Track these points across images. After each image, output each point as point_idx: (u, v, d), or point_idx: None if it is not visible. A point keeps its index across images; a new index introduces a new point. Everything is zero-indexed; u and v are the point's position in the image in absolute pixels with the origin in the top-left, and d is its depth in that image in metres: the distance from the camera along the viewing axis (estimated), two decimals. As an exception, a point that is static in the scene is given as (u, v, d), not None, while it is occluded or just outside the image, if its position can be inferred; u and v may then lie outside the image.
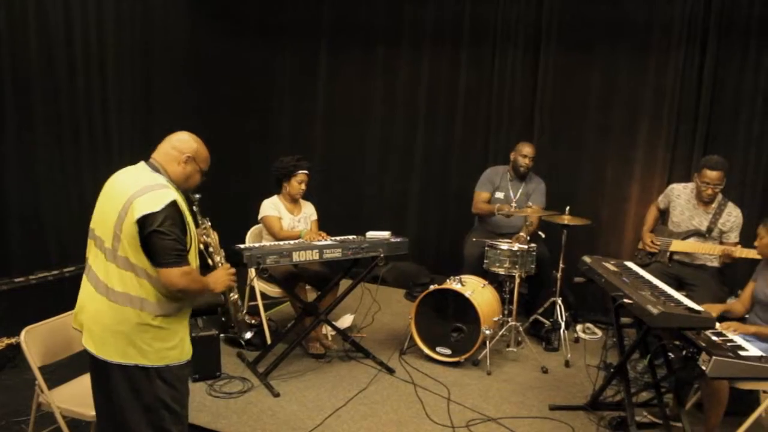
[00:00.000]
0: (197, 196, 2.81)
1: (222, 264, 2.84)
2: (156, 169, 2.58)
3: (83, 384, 3.04)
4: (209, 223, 2.91)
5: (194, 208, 2.80)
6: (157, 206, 2.39)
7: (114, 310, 2.46)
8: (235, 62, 6.83)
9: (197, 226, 2.81)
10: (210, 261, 2.86)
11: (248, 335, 3.03)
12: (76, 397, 2.95)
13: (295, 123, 7.06)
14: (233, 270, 2.78)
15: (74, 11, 4.96)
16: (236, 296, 2.87)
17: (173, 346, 2.54)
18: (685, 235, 4.59)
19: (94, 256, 2.55)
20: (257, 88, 7.06)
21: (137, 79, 5.62)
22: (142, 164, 2.62)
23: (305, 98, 7.00)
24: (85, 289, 2.58)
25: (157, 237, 2.38)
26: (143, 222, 2.38)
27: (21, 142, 4.74)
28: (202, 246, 2.81)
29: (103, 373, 2.55)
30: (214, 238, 2.91)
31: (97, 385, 2.63)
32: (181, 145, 2.62)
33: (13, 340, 4.03)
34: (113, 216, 2.46)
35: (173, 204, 2.43)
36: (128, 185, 2.49)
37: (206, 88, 6.46)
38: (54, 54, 4.87)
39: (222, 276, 2.72)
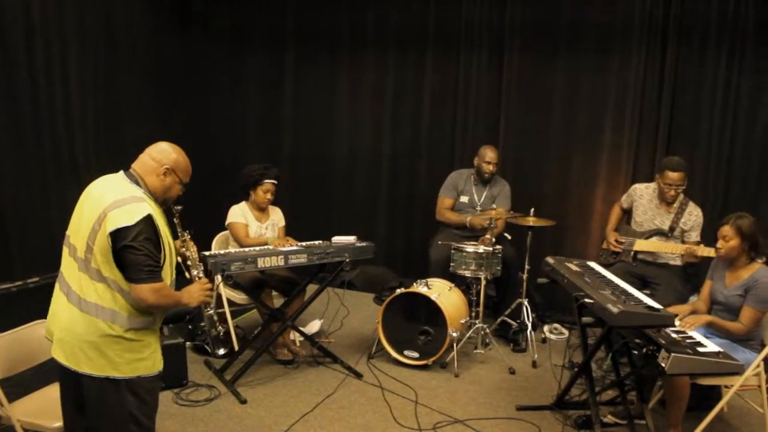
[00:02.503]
0: (179, 207, 2.79)
1: (199, 278, 2.82)
2: (135, 180, 2.55)
3: (46, 396, 3.05)
4: (189, 236, 2.90)
5: (174, 219, 2.78)
6: (131, 220, 2.38)
7: (86, 320, 2.45)
8: (200, 68, 6.83)
9: (176, 238, 2.79)
10: (187, 274, 2.85)
11: (221, 352, 3.03)
12: (37, 409, 2.94)
13: (262, 128, 7.05)
14: (209, 285, 2.75)
15: (35, 16, 4.91)
16: (212, 311, 2.88)
17: (145, 357, 2.54)
18: (648, 235, 4.70)
19: (66, 264, 2.54)
20: (223, 94, 7.05)
21: (101, 87, 5.57)
22: (120, 174, 2.59)
23: (271, 103, 7.00)
24: (57, 297, 2.56)
25: (130, 252, 2.37)
26: (116, 236, 2.37)
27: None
28: (179, 258, 2.80)
29: (72, 383, 2.55)
30: (193, 251, 2.91)
31: (66, 396, 2.62)
32: (160, 156, 2.59)
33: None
34: (88, 226, 2.45)
35: (148, 218, 2.41)
36: (104, 196, 2.47)
37: (171, 94, 6.43)
38: (15, 61, 4.82)
39: (196, 291, 2.70)
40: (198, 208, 5.67)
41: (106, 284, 2.44)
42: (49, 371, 2.66)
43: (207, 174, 6.57)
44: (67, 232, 2.58)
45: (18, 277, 4.71)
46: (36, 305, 2.67)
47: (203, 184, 6.51)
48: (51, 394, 3.02)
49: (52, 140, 5.11)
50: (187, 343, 4.59)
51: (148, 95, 6.16)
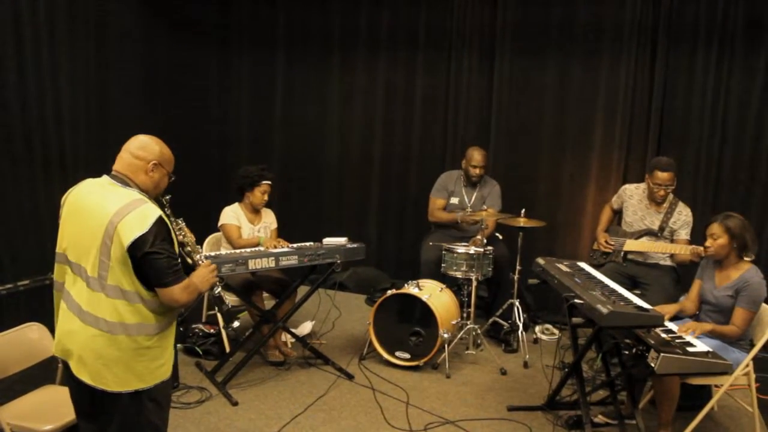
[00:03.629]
0: (167, 197, 2.75)
1: (202, 261, 2.79)
2: (124, 183, 2.48)
3: (36, 398, 3.04)
4: (183, 223, 2.88)
5: (166, 210, 2.72)
6: (144, 227, 2.32)
7: (108, 339, 2.39)
8: (191, 70, 6.83)
9: (176, 226, 2.81)
10: (189, 260, 2.82)
11: (236, 324, 2.95)
12: (28, 411, 2.93)
13: (253, 129, 7.07)
14: (213, 266, 2.72)
15: (24, 20, 4.89)
16: (219, 289, 2.85)
17: (163, 362, 2.52)
18: (638, 235, 4.73)
19: (71, 283, 2.46)
20: (214, 95, 7.06)
21: (91, 89, 5.56)
22: (105, 179, 2.51)
23: (262, 105, 7.02)
24: (66, 317, 2.46)
25: (152, 258, 2.33)
26: (135, 246, 2.32)
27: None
28: (179, 247, 2.76)
29: (96, 402, 2.49)
30: (190, 236, 2.89)
31: (89, 414, 2.55)
32: (144, 153, 2.51)
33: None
34: (94, 242, 2.37)
35: (159, 220, 2.37)
36: (105, 207, 2.39)
37: (161, 96, 6.43)
38: (3, 61, 4.80)
39: (206, 274, 2.66)
40: (188, 210, 5.69)
41: (126, 299, 2.38)
42: (38, 374, 2.65)
43: (198, 176, 6.60)
44: (60, 249, 2.51)
45: (8, 280, 4.70)
46: (26, 308, 2.68)
47: (194, 185, 6.53)
48: (41, 396, 3.03)
49: (42, 142, 5.08)
50: (179, 345, 4.62)
51: (138, 97, 6.16)
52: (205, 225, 4.99)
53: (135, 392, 2.45)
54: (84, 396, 2.50)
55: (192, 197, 6.33)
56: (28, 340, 2.76)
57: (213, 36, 6.95)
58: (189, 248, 2.86)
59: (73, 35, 5.31)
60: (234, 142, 7.08)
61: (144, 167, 2.51)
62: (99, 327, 2.38)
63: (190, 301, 2.49)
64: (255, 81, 7.00)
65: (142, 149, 2.53)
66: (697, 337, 3.48)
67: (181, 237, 2.83)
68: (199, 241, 4.76)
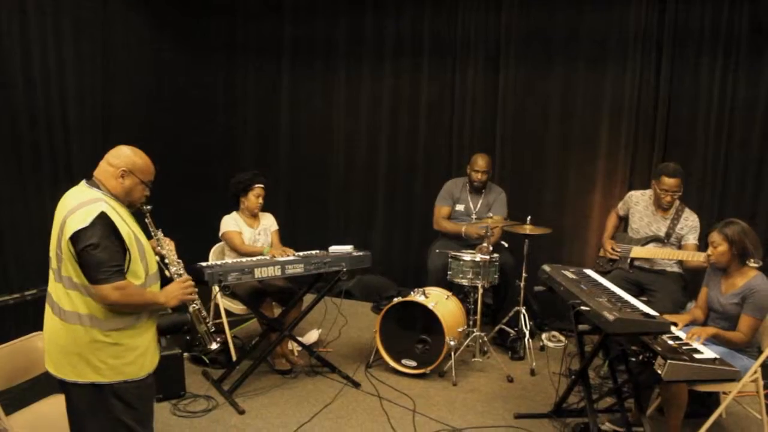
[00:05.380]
0: (148, 207, 2.79)
1: (178, 275, 2.80)
2: (95, 186, 2.60)
3: (43, 408, 3.05)
4: (161, 234, 2.88)
5: (146, 220, 2.79)
6: (85, 221, 2.40)
7: (66, 329, 2.50)
8: (197, 81, 6.88)
9: (150, 237, 2.80)
10: (167, 272, 2.83)
11: (214, 346, 2.91)
12: (35, 421, 2.94)
13: (259, 140, 7.11)
14: (189, 282, 2.75)
15: (31, 32, 4.94)
16: (197, 307, 2.83)
17: (130, 361, 2.55)
18: (645, 241, 4.72)
19: (50, 277, 2.58)
20: (219, 107, 7.10)
21: (98, 99, 5.61)
22: (82, 182, 2.64)
23: (268, 115, 7.05)
24: (46, 310, 2.61)
25: (88, 253, 2.39)
26: (75, 239, 2.40)
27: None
28: (157, 258, 2.80)
29: (64, 392, 2.60)
30: (169, 248, 2.88)
31: (66, 405, 2.63)
32: (116, 160, 2.62)
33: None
34: (54, 237, 2.52)
35: (101, 216, 2.43)
36: (66, 205, 2.52)
37: (168, 107, 6.47)
38: (12, 74, 4.85)
39: (175, 290, 2.69)
40: (194, 221, 5.74)
41: (78, 291, 2.47)
42: (46, 383, 2.66)
43: (202, 186, 6.63)
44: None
45: (15, 290, 4.73)
46: (33, 318, 2.70)
47: (199, 196, 6.57)
48: (49, 406, 3.03)
49: (49, 152, 5.13)
50: (185, 354, 4.63)
51: (144, 107, 6.20)
52: (210, 235, 4.99)
53: (93, 385, 2.52)
54: (64, 393, 2.62)
55: (198, 208, 6.39)
56: (35, 350, 2.77)
57: (219, 47, 6.98)
58: (167, 260, 2.84)
59: (79, 47, 5.37)
60: (240, 152, 7.11)
61: (114, 173, 2.61)
62: (60, 316, 2.52)
63: (127, 305, 2.50)
64: (260, 90, 7.02)
65: (116, 157, 2.64)
66: (704, 344, 3.47)
67: (158, 249, 2.84)
68: (204, 252, 4.86)
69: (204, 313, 2.89)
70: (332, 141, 6.86)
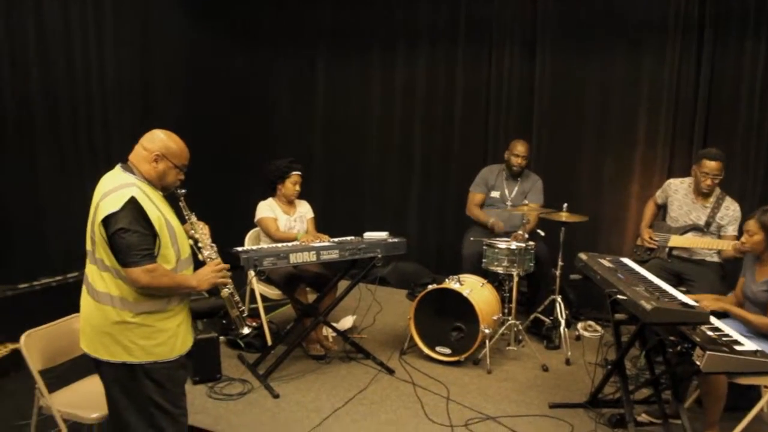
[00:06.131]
0: (183, 191, 2.81)
1: (211, 259, 2.82)
2: (129, 170, 2.64)
3: (83, 387, 3.12)
4: (195, 218, 2.89)
5: (180, 203, 2.82)
6: (116, 206, 2.45)
7: (98, 309, 2.56)
8: (233, 68, 6.92)
9: (183, 222, 2.83)
10: (200, 256, 2.85)
11: (246, 331, 2.95)
12: (76, 400, 3.01)
13: (295, 127, 7.14)
14: (221, 266, 2.78)
15: (72, 14, 5.03)
16: (230, 291, 2.85)
17: (160, 342, 2.60)
18: (684, 230, 4.63)
19: (87, 259, 2.64)
20: (256, 94, 7.14)
21: (136, 83, 5.69)
22: (117, 167, 2.68)
23: (304, 102, 7.08)
24: (82, 290, 2.67)
25: (119, 236, 2.44)
26: (107, 223, 2.46)
27: (23, 150, 4.80)
28: (191, 242, 2.83)
29: (98, 371, 2.67)
30: (203, 232, 2.89)
31: (102, 383, 2.70)
32: (150, 144, 2.66)
33: (17, 345, 4.11)
34: (90, 220, 2.57)
35: (131, 201, 2.47)
36: (101, 189, 2.58)
37: (205, 95, 6.52)
38: (54, 63, 4.94)
39: (207, 273, 2.72)
40: (230, 208, 5.80)
41: (110, 273, 2.53)
42: (86, 363, 2.72)
43: (239, 172, 6.69)
44: None
45: (58, 272, 4.84)
46: (74, 299, 2.74)
47: (235, 184, 6.64)
48: (88, 386, 3.10)
49: (88, 140, 5.24)
50: (221, 338, 4.67)
51: (182, 96, 6.26)
52: (245, 220, 5.04)
53: (125, 365, 2.57)
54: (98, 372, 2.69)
55: (234, 193, 6.45)
56: (75, 330, 2.82)
57: (256, 34, 7.02)
58: (200, 244, 2.86)
59: (120, 36, 5.45)
60: (276, 140, 7.16)
61: (147, 157, 2.65)
62: (93, 297, 2.58)
63: (158, 287, 2.53)
64: (296, 78, 7.07)
65: (150, 141, 2.68)
66: (745, 336, 3.39)
67: (192, 233, 2.87)
68: (240, 237, 4.89)
69: (237, 297, 2.91)
70: (367, 128, 6.87)
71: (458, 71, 6.39)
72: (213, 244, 2.89)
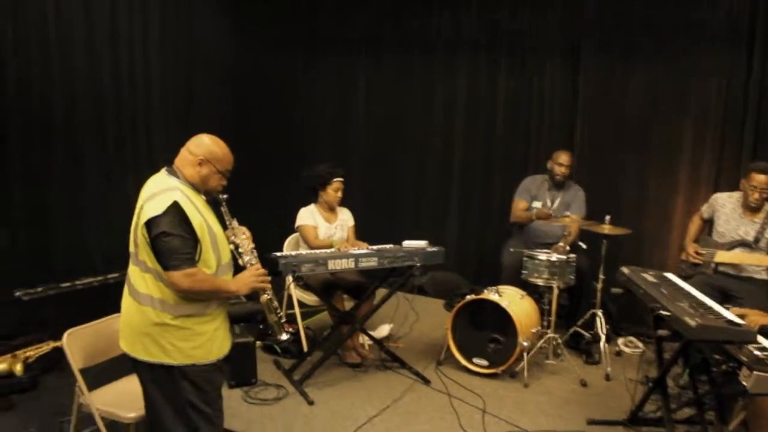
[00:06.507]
0: (224, 196, 2.83)
1: (251, 265, 2.86)
2: (174, 173, 2.69)
3: (122, 386, 3.16)
4: (236, 223, 2.92)
5: (222, 209, 2.84)
6: (159, 209, 2.49)
7: (139, 310, 2.60)
8: (274, 74, 7.01)
9: (225, 227, 2.85)
10: (240, 261, 2.88)
11: (284, 337, 2.97)
12: (114, 399, 3.05)
13: (334, 132, 7.18)
14: (261, 271, 2.81)
15: (120, 27, 5.15)
16: (269, 297, 2.88)
17: (197, 345, 2.62)
18: (731, 246, 4.51)
19: (130, 260, 2.68)
20: (296, 100, 7.20)
21: (180, 91, 5.80)
22: (163, 170, 2.72)
23: (344, 107, 7.12)
24: (124, 290, 2.72)
25: (161, 240, 2.48)
26: (149, 226, 2.50)
27: (68, 152, 4.92)
28: (232, 246, 2.85)
29: (136, 371, 2.71)
30: (244, 237, 2.92)
31: (139, 383, 2.74)
32: (195, 149, 2.71)
33: (59, 343, 4.19)
34: (134, 222, 2.61)
35: (174, 206, 2.50)
36: (146, 192, 2.63)
37: (245, 100, 6.62)
38: (99, 65, 5.07)
39: (247, 278, 2.75)
40: (269, 211, 5.85)
41: (153, 275, 2.56)
42: (125, 363, 2.76)
43: (280, 176, 6.75)
44: None
45: (99, 272, 4.94)
46: (115, 300, 2.79)
47: (275, 188, 6.69)
48: (127, 385, 3.13)
49: (133, 142, 5.34)
50: (258, 343, 4.70)
51: (224, 99, 6.36)
52: (285, 225, 5.05)
53: (163, 366, 2.60)
54: (136, 372, 2.72)
55: (274, 200, 6.50)
56: (115, 331, 2.85)
57: (298, 38, 7.09)
58: (241, 249, 2.89)
59: (165, 39, 5.55)
60: (315, 143, 7.20)
61: (192, 161, 2.70)
62: (134, 297, 2.62)
63: (199, 292, 2.57)
64: (337, 85, 7.11)
65: (196, 146, 2.73)
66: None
67: (233, 238, 2.89)
68: (279, 243, 4.92)
69: (275, 303, 2.94)
70: (408, 135, 6.86)
71: (500, 80, 6.35)
72: (253, 250, 2.92)
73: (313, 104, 7.21)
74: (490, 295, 4.59)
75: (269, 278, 2.85)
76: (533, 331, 4.61)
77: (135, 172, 5.25)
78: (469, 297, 4.67)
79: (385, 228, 6.54)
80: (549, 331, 4.77)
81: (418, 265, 4.42)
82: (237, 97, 6.50)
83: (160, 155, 5.46)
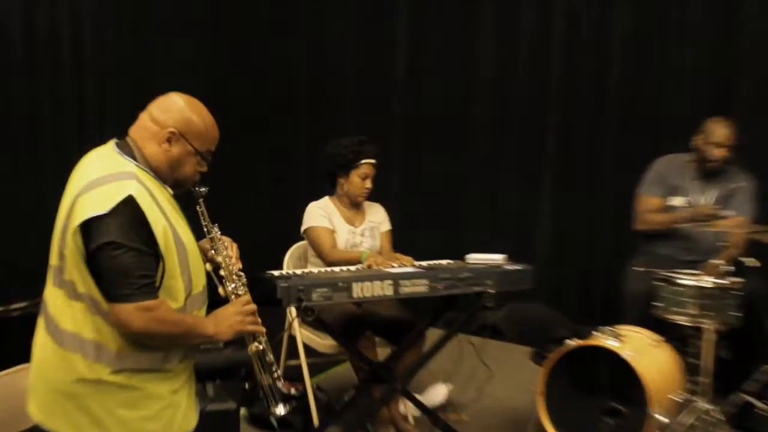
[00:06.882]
0: (203, 189, 2.80)
1: (237, 295, 2.80)
2: (127, 151, 2.60)
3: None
4: (218, 231, 2.87)
5: (198, 208, 2.80)
6: (104, 206, 2.36)
7: (60, 358, 2.49)
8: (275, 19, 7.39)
9: (208, 234, 2.85)
10: (221, 290, 2.83)
11: (281, 410, 2.88)
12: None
13: (364, 90, 7.40)
14: (251, 307, 2.75)
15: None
16: (261, 347, 2.81)
17: (150, 416, 2.55)
18: None
19: (48, 279, 2.61)
20: (306, 41, 7.62)
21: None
22: (110, 144, 2.64)
23: (375, 49, 7.44)
24: (37, 326, 2.65)
25: (105, 255, 2.36)
26: (86, 230, 2.38)
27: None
28: (209, 266, 2.82)
29: None
30: (228, 254, 2.87)
31: None
32: (162, 115, 2.62)
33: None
34: (60, 222, 2.52)
35: (128, 202, 2.39)
36: (83, 177, 2.52)
37: (227, 40, 6.96)
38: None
39: (230, 316, 2.68)
40: (264, 209, 5.81)
41: (85, 304, 2.45)
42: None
43: (274, 158, 6.74)
44: None
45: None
46: (21, 341, 2.79)
47: (273, 174, 6.67)
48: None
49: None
50: (242, 410, 4.65)
51: (192, 39, 6.76)
52: (283, 231, 5.25)
53: None
54: None
55: (270, 194, 6.47)
56: (18, 392, 2.76)
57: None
58: (222, 272, 2.83)
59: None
60: (334, 108, 7.38)
61: (158, 135, 2.61)
62: (54, 337, 2.53)
63: (159, 335, 2.49)
64: (366, 21, 7.31)
65: (164, 110, 2.65)
66: None
67: (212, 253, 2.87)
68: (279, 254, 5.00)
69: (270, 356, 2.87)
70: (472, 94, 6.98)
71: (616, 7, 6.39)
72: (241, 273, 2.88)
73: (332, 50, 7.49)
74: (603, 340, 4.45)
75: (256, 317, 2.79)
76: (674, 398, 4.43)
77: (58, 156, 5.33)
78: (570, 343, 4.53)
79: (438, 234, 6.48)
80: (700, 399, 4.54)
81: (492, 292, 4.27)
82: (214, 41, 6.54)
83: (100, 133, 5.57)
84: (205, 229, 2.83)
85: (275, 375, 2.87)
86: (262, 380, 2.85)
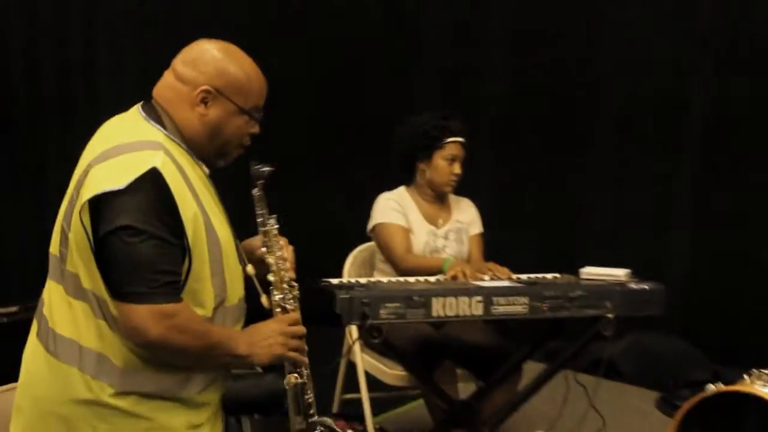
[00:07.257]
0: (266, 169, 2.83)
1: (284, 309, 2.81)
2: (155, 118, 2.60)
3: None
4: (276, 227, 2.89)
5: (256, 192, 2.84)
6: (121, 180, 2.35)
7: (53, 371, 2.53)
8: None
9: (261, 227, 2.87)
10: (263, 300, 2.84)
11: None
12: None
13: (445, 68, 7.37)
14: (299, 329, 2.77)
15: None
16: (299, 380, 2.81)
17: None
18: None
19: (49, 271, 2.65)
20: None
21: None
22: (136, 108, 2.66)
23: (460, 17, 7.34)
24: (31, 331, 2.70)
25: (117, 241, 2.35)
26: (97, 209, 2.38)
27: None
28: (251, 269, 2.83)
29: None
30: (283, 255, 2.88)
31: None
32: (191, 71, 2.61)
33: None
34: (67, 197, 2.55)
35: (151, 178, 2.38)
36: (98, 144, 2.57)
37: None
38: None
39: (271, 334, 2.68)
40: (321, 199, 5.85)
41: (88, 305, 2.48)
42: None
43: (344, 148, 6.80)
44: None
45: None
46: (11, 354, 2.82)
47: (335, 163, 6.75)
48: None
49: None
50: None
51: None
52: (343, 231, 5.16)
53: None
54: None
55: (334, 185, 6.53)
56: (5, 411, 2.88)
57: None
58: (272, 278, 2.84)
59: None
60: (408, 95, 7.35)
61: (188, 95, 2.59)
62: (46, 344, 2.55)
63: (173, 348, 2.46)
64: None
65: (191, 65, 2.63)
66: None
67: (262, 251, 2.87)
68: (336, 259, 4.92)
69: (310, 396, 2.88)
70: (593, 52, 7.02)
71: None
72: (294, 283, 2.88)
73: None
74: (756, 386, 4.43)
75: (305, 346, 2.80)
76: None
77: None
78: (711, 388, 4.50)
79: (546, 237, 6.51)
80: None
81: (610, 317, 4.31)
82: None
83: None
84: (259, 220, 2.84)
85: (312, 417, 2.86)
86: (294, 424, 2.87)
